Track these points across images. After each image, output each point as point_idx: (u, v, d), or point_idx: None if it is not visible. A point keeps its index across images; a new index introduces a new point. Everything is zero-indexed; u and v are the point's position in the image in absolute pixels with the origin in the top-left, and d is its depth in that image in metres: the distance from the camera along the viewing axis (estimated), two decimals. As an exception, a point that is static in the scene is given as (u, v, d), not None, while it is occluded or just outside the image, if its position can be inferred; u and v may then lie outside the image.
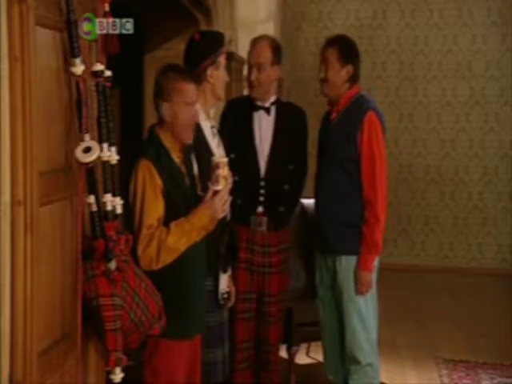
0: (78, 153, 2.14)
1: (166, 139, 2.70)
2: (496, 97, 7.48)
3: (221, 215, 2.70)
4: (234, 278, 3.37)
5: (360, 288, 3.37)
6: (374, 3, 7.61)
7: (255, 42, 3.59)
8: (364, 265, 3.35)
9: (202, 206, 2.67)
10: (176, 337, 2.66)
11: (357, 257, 3.37)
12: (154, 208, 2.60)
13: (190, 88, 2.68)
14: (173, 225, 2.61)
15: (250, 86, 3.55)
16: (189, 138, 2.75)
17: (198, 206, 2.67)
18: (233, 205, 3.28)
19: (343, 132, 3.39)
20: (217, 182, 2.66)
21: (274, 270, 3.60)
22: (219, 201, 2.65)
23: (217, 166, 2.68)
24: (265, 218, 3.54)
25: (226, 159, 2.74)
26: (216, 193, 2.66)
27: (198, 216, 2.64)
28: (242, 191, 3.43)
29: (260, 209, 3.54)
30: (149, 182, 2.60)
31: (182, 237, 2.61)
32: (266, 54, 3.53)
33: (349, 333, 3.42)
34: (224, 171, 2.67)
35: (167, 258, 2.60)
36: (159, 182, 2.60)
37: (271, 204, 3.55)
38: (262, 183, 3.52)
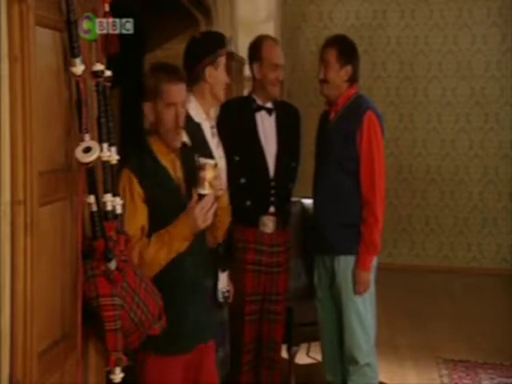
0: (78, 153, 2.14)
1: (155, 143, 2.63)
2: (496, 97, 7.48)
3: (203, 225, 2.52)
4: (240, 281, 3.38)
5: (358, 288, 3.37)
6: (373, 3, 7.61)
7: (271, 41, 3.57)
8: (362, 264, 3.35)
9: (183, 214, 2.53)
10: (168, 352, 2.59)
11: (355, 256, 3.37)
12: (133, 219, 2.51)
13: (172, 88, 2.56)
14: (154, 236, 2.53)
15: (274, 85, 3.52)
16: (175, 142, 2.60)
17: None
18: (240, 207, 3.28)
19: (342, 132, 3.39)
20: (201, 185, 2.49)
21: (281, 269, 3.61)
22: (200, 209, 2.49)
23: (201, 168, 2.51)
24: (275, 218, 3.54)
25: (212, 162, 2.56)
26: (202, 197, 2.51)
27: (178, 226, 2.52)
28: (252, 193, 3.42)
29: (271, 209, 3.53)
30: (128, 192, 2.52)
31: (162, 248, 2.51)
32: (282, 54, 3.56)
33: (348, 333, 3.42)
34: (209, 174, 2.49)
35: (148, 272, 2.50)
36: (139, 190, 2.52)
37: (280, 203, 3.56)
38: (273, 183, 3.53)
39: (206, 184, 2.49)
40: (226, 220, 2.94)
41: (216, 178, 2.53)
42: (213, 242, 2.92)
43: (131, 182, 2.53)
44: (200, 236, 2.64)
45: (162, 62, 2.76)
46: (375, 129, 3.35)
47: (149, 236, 2.55)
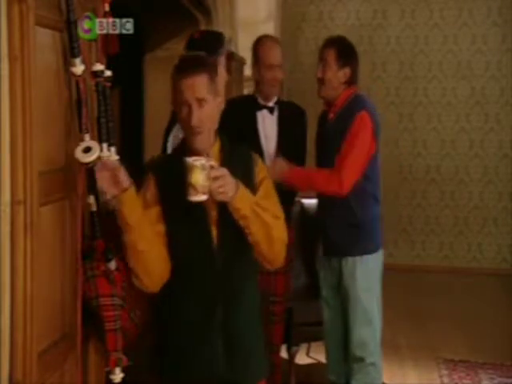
0: (78, 153, 2.14)
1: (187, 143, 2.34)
2: (496, 97, 7.48)
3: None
4: None
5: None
6: (374, 3, 7.61)
7: (268, 42, 3.58)
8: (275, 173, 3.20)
9: None
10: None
11: (362, 257, 3.37)
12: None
13: (181, 84, 2.21)
14: None
15: (271, 85, 3.52)
16: (193, 144, 2.24)
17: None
18: None
19: (339, 133, 3.38)
20: (187, 190, 2.11)
21: (280, 270, 3.59)
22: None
23: (188, 170, 2.12)
24: None
25: (198, 161, 2.12)
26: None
27: None
28: None
29: None
30: (143, 194, 2.27)
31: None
32: (279, 54, 3.56)
33: (354, 331, 3.41)
34: (194, 176, 2.09)
35: (137, 265, 2.23)
36: (153, 189, 2.26)
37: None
38: None
39: (191, 190, 2.10)
40: (259, 232, 2.24)
41: (216, 178, 2.11)
42: (266, 264, 2.37)
43: (148, 182, 2.30)
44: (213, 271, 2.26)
45: (183, 55, 2.42)
46: (365, 126, 3.30)
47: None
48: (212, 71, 2.28)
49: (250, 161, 2.37)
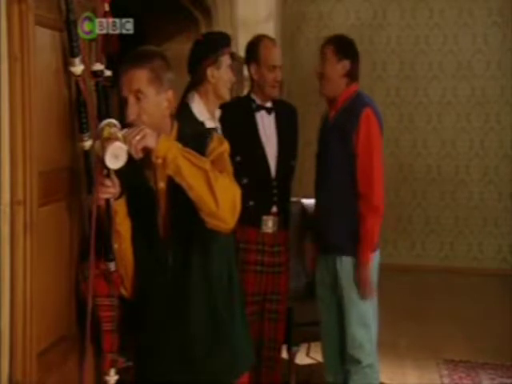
0: (98, 145, 2.07)
1: None
2: (496, 97, 7.48)
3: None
4: (241, 281, 3.37)
5: (363, 288, 3.35)
6: (374, 3, 7.61)
7: (269, 42, 3.56)
8: (364, 261, 3.33)
9: None
10: None
11: (356, 257, 3.37)
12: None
13: (123, 77, 2.15)
14: None
15: (273, 86, 3.51)
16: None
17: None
18: (242, 207, 3.25)
19: (341, 130, 3.37)
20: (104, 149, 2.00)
21: (282, 269, 3.61)
22: None
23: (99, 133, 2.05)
24: (277, 218, 3.54)
25: (108, 121, 2.07)
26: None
27: None
28: (255, 193, 3.41)
29: (274, 209, 3.53)
30: None
31: None
32: (280, 55, 3.55)
33: (350, 333, 3.41)
34: (105, 132, 2.02)
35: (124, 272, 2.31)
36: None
37: (282, 203, 3.56)
38: (275, 183, 3.53)
39: (105, 142, 1.99)
40: (196, 180, 2.04)
41: (128, 134, 2.00)
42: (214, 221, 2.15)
43: None
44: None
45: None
46: (373, 126, 3.33)
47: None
48: (157, 67, 2.17)
49: (206, 139, 2.25)
